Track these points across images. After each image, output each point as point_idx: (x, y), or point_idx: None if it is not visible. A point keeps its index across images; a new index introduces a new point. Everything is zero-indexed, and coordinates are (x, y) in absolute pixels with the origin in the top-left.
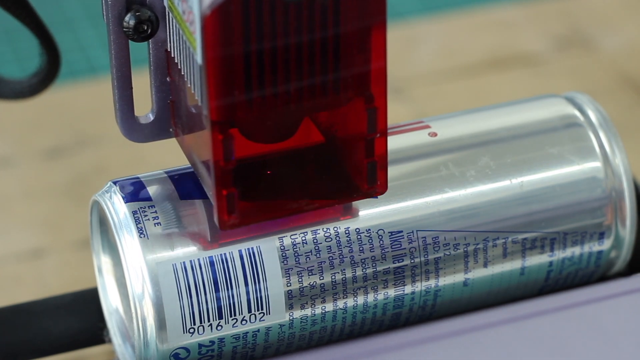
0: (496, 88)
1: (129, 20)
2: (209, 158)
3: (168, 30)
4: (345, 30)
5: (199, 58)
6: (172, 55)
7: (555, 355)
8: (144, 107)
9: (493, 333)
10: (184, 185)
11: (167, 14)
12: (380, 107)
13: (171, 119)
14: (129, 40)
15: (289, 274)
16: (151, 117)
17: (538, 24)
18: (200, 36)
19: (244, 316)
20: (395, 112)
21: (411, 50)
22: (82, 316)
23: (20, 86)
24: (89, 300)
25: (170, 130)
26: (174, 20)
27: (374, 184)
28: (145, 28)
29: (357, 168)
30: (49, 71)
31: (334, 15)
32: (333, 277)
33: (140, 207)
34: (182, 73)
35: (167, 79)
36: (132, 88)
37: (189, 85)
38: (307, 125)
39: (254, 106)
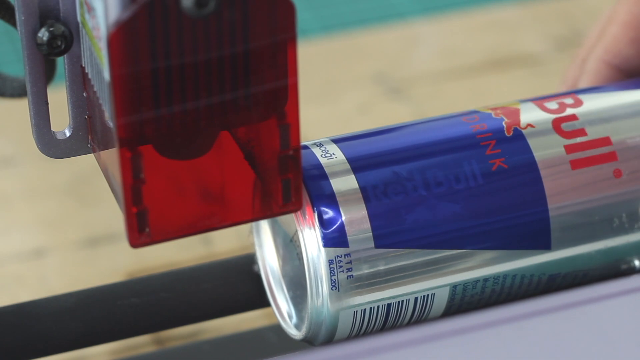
0: (496, 88)
1: (43, 35)
2: (118, 175)
3: (81, 46)
4: (254, 46)
5: (106, 74)
6: (87, 71)
7: (555, 355)
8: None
9: (493, 333)
10: (380, 220)
11: (80, 29)
12: (292, 123)
13: (88, 134)
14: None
15: (450, 305)
16: (67, 133)
17: (538, 24)
18: (106, 53)
19: (404, 324)
20: (395, 112)
21: (411, 50)
22: (83, 316)
23: (22, 84)
24: (91, 299)
25: (89, 145)
26: (86, 36)
27: (288, 201)
28: (59, 43)
29: (273, 185)
30: (48, 68)
31: (242, 32)
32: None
33: (337, 256)
34: (95, 89)
35: (84, 94)
36: (47, 103)
37: (100, 102)
38: (226, 141)
39: (162, 123)
